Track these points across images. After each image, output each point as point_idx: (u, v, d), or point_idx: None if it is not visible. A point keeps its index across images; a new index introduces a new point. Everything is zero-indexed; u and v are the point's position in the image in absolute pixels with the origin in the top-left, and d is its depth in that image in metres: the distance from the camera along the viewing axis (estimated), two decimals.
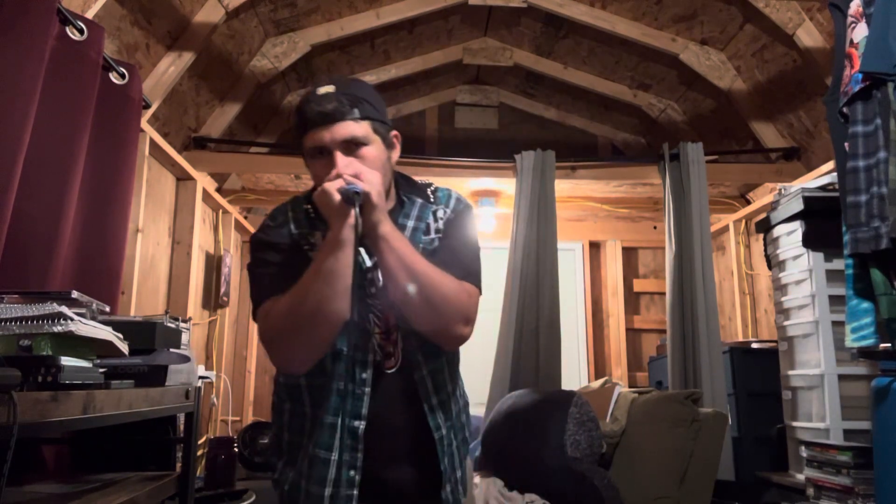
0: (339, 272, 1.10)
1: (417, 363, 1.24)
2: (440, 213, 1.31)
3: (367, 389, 1.19)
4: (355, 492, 1.17)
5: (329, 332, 1.14)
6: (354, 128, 1.18)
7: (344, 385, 1.19)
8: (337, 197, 1.09)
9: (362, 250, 1.21)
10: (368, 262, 1.23)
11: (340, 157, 1.16)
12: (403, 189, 1.34)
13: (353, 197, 1.09)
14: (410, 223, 1.29)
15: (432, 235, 1.29)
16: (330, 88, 1.20)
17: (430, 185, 1.38)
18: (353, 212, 1.10)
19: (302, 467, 1.20)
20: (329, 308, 1.11)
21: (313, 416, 1.21)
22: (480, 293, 1.28)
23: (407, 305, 1.17)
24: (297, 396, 1.24)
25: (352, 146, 1.18)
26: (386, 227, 1.15)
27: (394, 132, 1.32)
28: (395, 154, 1.31)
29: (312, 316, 1.11)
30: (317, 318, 1.12)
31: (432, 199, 1.33)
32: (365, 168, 1.14)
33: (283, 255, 1.23)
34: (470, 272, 1.26)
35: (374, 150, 1.21)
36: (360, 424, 1.18)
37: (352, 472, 1.17)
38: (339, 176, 1.12)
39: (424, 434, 1.22)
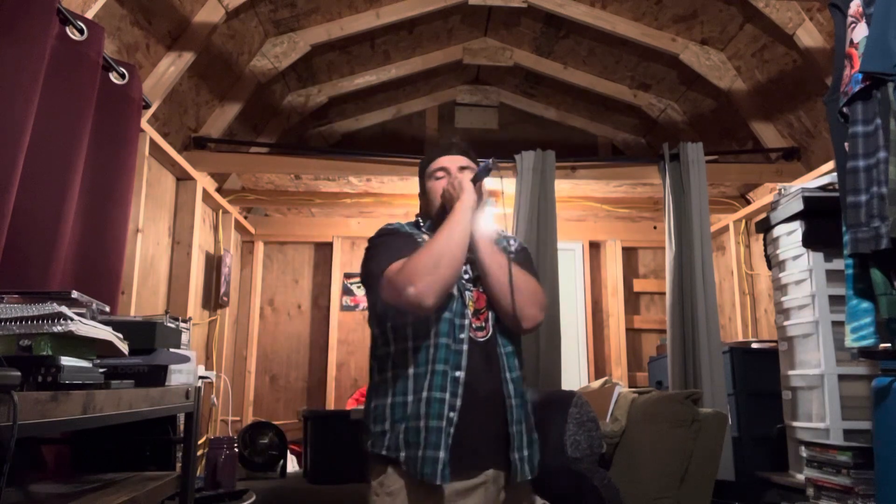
0: (465, 229, 1.47)
1: (501, 341, 1.52)
2: (511, 242, 1.70)
3: (465, 347, 1.45)
4: (452, 430, 1.38)
5: (455, 272, 1.45)
6: (467, 161, 1.67)
7: (448, 342, 1.45)
8: (467, 183, 1.51)
9: None
10: None
11: (457, 172, 1.62)
12: None
13: (488, 164, 1.53)
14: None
15: (511, 254, 1.62)
16: (454, 138, 1.77)
17: (498, 228, 1.77)
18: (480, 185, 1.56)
19: (417, 411, 1.41)
20: (458, 254, 1.44)
21: (419, 372, 1.44)
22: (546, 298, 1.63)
23: (495, 289, 1.50)
24: (402, 361, 1.48)
25: (463, 171, 1.63)
26: (482, 230, 1.53)
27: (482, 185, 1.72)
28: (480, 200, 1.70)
29: (448, 252, 1.44)
30: (449, 259, 1.43)
31: (501, 235, 1.70)
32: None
33: (401, 238, 1.56)
34: (538, 280, 1.62)
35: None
36: (461, 374, 1.43)
37: (451, 414, 1.40)
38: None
39: (501, 400, 1.48)
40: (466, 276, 1.55)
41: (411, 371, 1.46)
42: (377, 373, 1.54)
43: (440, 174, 1.64)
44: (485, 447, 1.45)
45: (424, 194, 1.68)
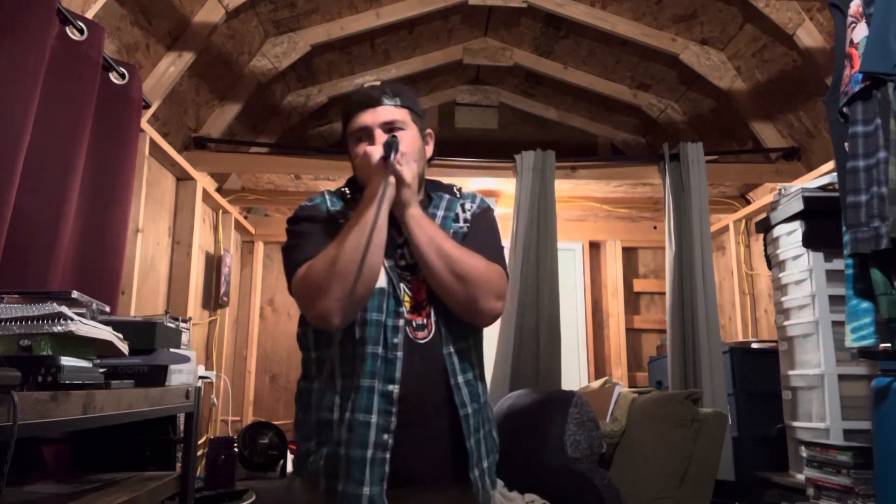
0: (377, 224, 1.18)
1: (447, 338, 1.28)
2: (467, 206, 1.41)
3: (400, 354, 1.23)
4: (388, 455, 1.18)
5: (366, 282, 1.19)
6: (394, 112, 1.32)
7: (376, 350, 1.23)
8: (378, 155, 1.21)
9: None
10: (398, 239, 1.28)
11: (380, 135, 1.30)
12: (430, 187, 1.45)
13: (392, 141, 1.22)
14: (440, 213, 1.39)
15: (461, 224, 1.38)
16: (375, 83, 1.42)
17: (455, 186, 1.48)
18: (390, 163, 1.20)
19: (339, 436, 1.20)
20: (367, 258, 1.16)
21: (346, 385, 1.23)
22: (507, 279, 1.34)
23: (438, 281, 1.24)
24: (329, 370, 1.26)
25: (391, 128, 1.31)
26: (416, 209, 1.25)
27: (428, 129, 1.43)
28: (429, 150, 1.43)
29: (351, 263, 1.16)
30: (355, 265, 1.15)
31: (458, 196, 1.44)
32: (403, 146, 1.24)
33: (318, 224, 1.31)
34: (498, 257, 1.34)
35: (411, 135, 1.33)
36: (395, 388, 1.21)
37: (385, 436, 1.19)
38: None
39: (452, 411, 1.25)
40: (402, 263, 1.30)
41: (338, 383, 1.24)
42: (302, 378, 1.34)
43: (361, 134, 1.33)
44: (430, 473, 1.24)
45: (350, 158, 1.38)
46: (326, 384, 1.26)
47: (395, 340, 1.23)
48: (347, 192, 1.38)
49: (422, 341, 1.27)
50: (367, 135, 1.32)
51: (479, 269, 1.26)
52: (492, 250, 1.34)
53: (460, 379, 1.27)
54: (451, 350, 1.28)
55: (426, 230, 1.25)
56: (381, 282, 1.25)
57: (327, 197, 1.39)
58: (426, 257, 1.24)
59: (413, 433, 1.22)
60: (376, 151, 1.22)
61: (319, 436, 1.24)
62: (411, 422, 1.22)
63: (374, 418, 1.19)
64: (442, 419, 1.25)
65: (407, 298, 1.28)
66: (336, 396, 1.24)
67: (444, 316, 1.28)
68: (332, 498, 1.18)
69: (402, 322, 1.25)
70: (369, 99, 1.33)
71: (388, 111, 1.32)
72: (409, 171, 1.23)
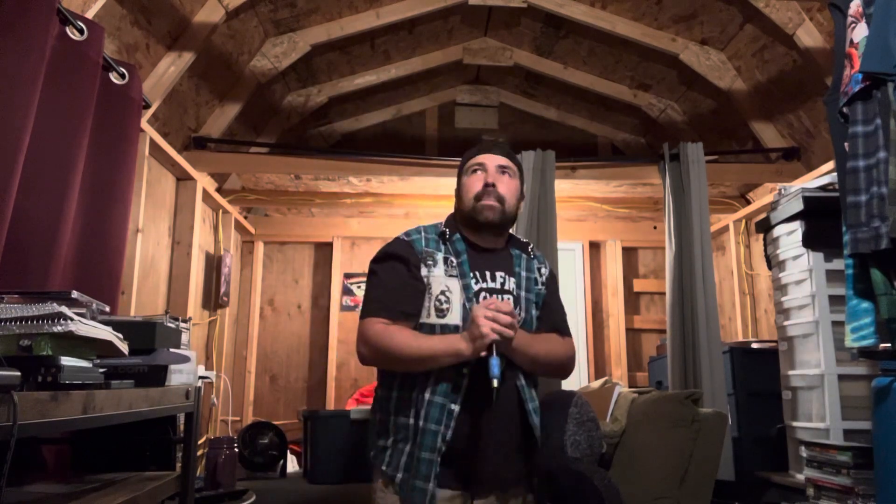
0: (444, 366, 1.42)
1: (519, 374, 1.50)
2: (542, 270, 1.66)
3: (464, 382, 1.42)
4: (439, 459, 1.39)
5: (405, 370, 1.47)
6: (508, 162, 1.60)
7: (448, 373, 1.43)
8: (487, 342, 1.36)
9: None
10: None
11: (493, 174, 1.56)
12: (510, 242, 1.67)
13: (493, 358, 1.35)
14: (524, 273, 1.61)
15: (540, 287, 1.63)
16: (500, 139, 1.63)
17: (529, 243, 1.71)
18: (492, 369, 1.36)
19: (416, 438, 1.41)
20: (424, 369, 1.43)
21: (420, 398, 1.43)
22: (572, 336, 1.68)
23: (534, 373, 1.57)
24: (407, 384, 1.47)
25: (503, 171, 1.57)
26: (515, 342, 1.42)
27: (523, 196, 1.69)
28: (519, 209, 1.66)
29: (409, 368, 1.46)
30: (412, 368, 1.45)
31: (532, 255, 1.66)
32: (514, 315, 1.41)
33: (403, 268, 1.50)
34: (567, 327, 1.66)
35: (515, 185, 1.60)
36: (455, 407, 1.42)
37: (441, 445, 1.39)
38: (496, 312, 1.38)
39: (524, 430, 1.49)
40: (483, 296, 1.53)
41: (414, 395, 1.45)
42: (382, 387, 1.55)
43: (476, 168, 1.59)
44: (499, 477, 1.46)
45: (458, 190, 1.62)
46: (405, 394, 1.47)
47: (465, 370, 1.43)
48: (447, 233, 1.58)
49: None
50: (483, 169, 1.57)
51: (562, 356, 1.59)
52: (564, 322, 1.66)
53: (531, 406, 1.50)
54: (523, 383, 1.51)
55: (522, 352, 1.46)
56: (458, 318, 1.46)
57: (423, 235, 1.57)
58: (524, 365, 1.50)
59: (488, 445, 1.43)
60: (489, 335, 1.35)
61: (396, 435, 1.46)
62: (487, 434, 1.43)
63: (441, 428, 1.40)
64: (514, 435, 1.47)
65: None
66: (412, 405, 1.44)
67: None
68: (407, 489, 1.39)
69: (494, 394, 1.42)
70: (490, 147, 1.63)
71: (505, 160, 1.59)
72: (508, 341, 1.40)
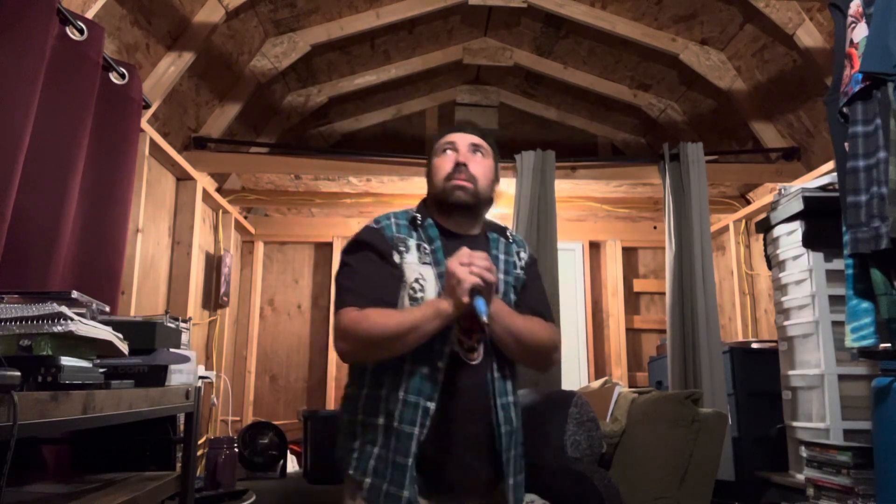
0: (430, 335, 1.31)
1: (494, 363, 1.40)
2: (521, 255, 1.57)
3: (440, 377, 1.34)
4: (412, 462, 1.30)
5: (391, 356, 1.34)
6: (481, 140, 1.50)
7: (422, 369, 1.35)
8: (467, 288, 1.26)
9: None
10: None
11: (464, 152, 1.46)
12: (487, 226, 1.57)
13: (481, 305, 1.26)
14: (502, 256, 1.52)
15: (518, 271, 1.54)
16: (479, 126, 1.58)
17: (507, 228, 1.62)
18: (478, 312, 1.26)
19: (387, 440, 1.32)
20: (410, 346, 1.32)
21: (393, 396, 1.34)
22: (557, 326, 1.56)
23: (511, 354, 1.42)
24: (376, 381, 1.38)
25: (475, 150, 1.48)
26: (493, 307, 1.33)
27: (499, 179, 1.57)
28: (495, 192, 1.56)
29: (388, 352, 1.33)
30: (390, 354, 1.34)
31: (511, 240, 1.57)
32: (491, 263, 1.31)
33: (374, 256, 1.41)
34: (550, 312, 1.54)
35: (489, 164, 1.50)
36: (431, 405, 1.32)
37: (417, 447, 1.30)
38: (470, 267, 1.28)
39: (491, 428, 1.37)
40: None
41: (384, 393, 1.35)
42: (351, 384, 1.45)
43: (447, 148, 1.49)
44: (467, 482, 1.36)
45: (429, 172, 1.52)
46: (373, 392, 1.38)
47: (440, 364, 1.35)
48: (418, 218, 1.48)
49: (472, 363, 1.39)
50: (453, 148, 1.48)
51: (544, 338, 1.45)
52: (547, 307, 1.55)
53: (500, 401, 1.39)
54: (496, 375, 1.40)
55: (501, 323, 1.35)
56: None
57: (394, 221, 1.47)
58: (502, 342, 1.38)
59: (455, 446, 1.35)
60: (468, 282, 1.26)
61: (364, 437, 1.36)
62: (454, 434, 1.35)
63: (416, 430, 1.31)
64: (481, 435, 1.37)
65: (458, 326, 1.38)
66: (382, 403, 1.35)
67: (492, 344, 1.40)
68: (377, 495, 1.30)
69: (447, 348, 1.35)
70: (463, 126, 1.54)
71: (477, 139, 1.50)
72: (495, 284, 1.31)
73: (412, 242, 1.43)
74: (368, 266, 1.40)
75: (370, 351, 1.36)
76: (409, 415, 1.32)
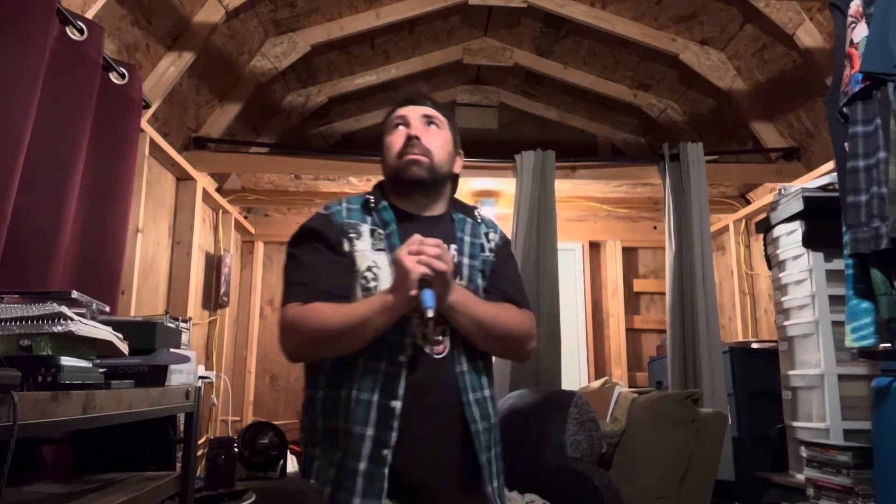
0: (379, 330, 1.21)
1: (461, 357, 1.30)
2: (490, 235, 1.45)
3: (404, 371, 1.23)
4: (386, 470, 1.19)
5: (350, 351, 1.24)
6: (433, 111, 1.40)
7: (378, 365, 1.24)
8: (415, 279, 1.16)
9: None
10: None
11: (416, 125, 1.36)
12: (453, 206, 1.47)
13: (428, 299, 1.15)
14: (467, 238, 1.40)
15: (487, 253, 1.42)
16: (430, 96, 1.46)
17: (475, 207, 1.52)
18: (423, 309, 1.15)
19: (342, 445, 1.22)
20: (358, 343, 1.22)
21: (348, 396, 1.24)
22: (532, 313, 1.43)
23: (481, 345, 1.32)
24: (331, 382, 1.28)
25: (428, 122, 1.38)
26: (452, 296, 1.23)
27: (461, 150, 1.48)
28: (457, 166, 1.46)
29: (341, 348, 1.24)
30: (344, 347, 1.23)
31: (479, 220, 1.46)
32: (443, 248, 1.19)
33: (321, 246, 1.31)
34: (525, 297, 1.43)
35: (445, 136, 1.40)
36: (397, 404, 1.21)
37: (384, 451, 1.19)
38: (420, 254, 1.17)
39: (464, 427, 1.26)
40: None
41: (342, 393, 1.25)
42: (308, 387, 1.33)
43: (398, 123, 1.38)
44: (441, 486, 1.24)
45: (382, 153, 1.40)
46: (329, 394, 1.28)
47: (401, 358, 1.24)
48: (372, 201, 1.37)
49: (437, 356, 1.27)
50: (404, 122, 1.37)
51: (515, 325, 1.34)
52: (520, 292, 1.42)
53: (471, 397, 1.28)
54: (465, 368, 1.29)
55: (464, 313, 1.26)
56: None
57: (345, 206, 1.37)
58: (468, 332, 1.28)
59: (423, 447, 1.23)
60: (415, 272, 1.15)
61: (325, 442, 1.26)
62: (421, 436, 1.23)
63: (370, 431, 1.20)
64: (453, 434, 1.26)
65: (416, 316, 1.26)
66: (341, 404, 1.25)
67: (458, 335, 1.29)
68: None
69: (408, 340, 1.25)
70: (413, 97, 1.41)
71: (429, 109, 1.39)
72: (449, 271, 1.19)
73: (365, 228, 1.32)
74: (315, 256, 1.30)
75: (314, 349, 1.26)
76: (362, 415, 1.21)
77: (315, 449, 1.28)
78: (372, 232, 1.32)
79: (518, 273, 1.50)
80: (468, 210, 1.47)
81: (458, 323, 1.26)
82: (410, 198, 1.38)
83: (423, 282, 1.16)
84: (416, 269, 1.15)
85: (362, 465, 1.19)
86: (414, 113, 1.38)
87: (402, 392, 1.22)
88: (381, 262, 1.28)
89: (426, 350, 1.27)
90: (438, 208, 1.41)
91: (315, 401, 1.30)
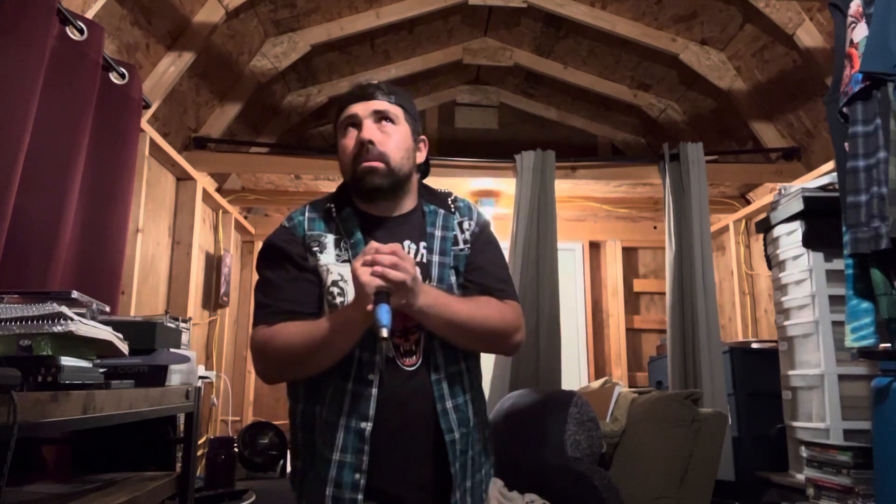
0: (344, 349, 1.17)
1: (437, 365, 1.24)
2: (465, 225, 1.36)
3: (374, 391, 1.19)
4: (360, 496, 1.15)
5: (322, 370, 1.20)
6: (386, 105, 1.29)
7: (348, 385, 1.20)
8: (370, 293, 1.09)
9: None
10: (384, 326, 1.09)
11: (369, 124, 1.26)
12: (424, 198, 1.39)
13: (383, 315, 1.06)
14: (438, 233, 1.33)
15: (461, 245, 1.34)
16: (374, 81, 1.36)
17: (449, 194, 1.42)
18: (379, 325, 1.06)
19: (316, 465, 1.21)
20: (327, 362, 1.18)
21: (321, 414, 1.22)
22: (518, 301, 1.35)
23: (460, 345, 1.25)
24: (308, 396, 1.25)
25: (381, 119, 1.28)
26: (420, 300, 1.16)
27: (423, 136, 1.38)
28: (420, 156, 1.38)
29: (310, 368, 1.20)
30: (313, 367, 1.20)
31: (453, 209, 1.38)
32: (401, 257, 1.12)
33: (286, 263, 1.27)
34: (508, 287, 1.34)
35: (401, 131, 1.30)
36: (367, 426, 1.17)
37: (356, 476, 1.16)
38: (375, 263, 1.10)
39: (438, 437, 1.21)
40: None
41: (316, 409, 1.22)
42: (289, 396, 1.32)
43: (349, 124, 1.30)
44: (418, 498, 1.21)
45: (339, 154, 1.35)
46: (306, 408, 1.26)
47: (371, 377, 1.19)
48: (333, 209, 1.32)
49: (409, 368, 1.23)
50: (355, 123, 1.29)
51: (494, 320, 1.26)
52: (501, 281, 1.33)
53: (449, 404, 1.23)
54: (441, 376, 1.24)
55: (435, 316, 1.19)
56: None
57: (307, 216, 1.32)
58: (445, 336, 1.23)
59: (395, 460, 1.20)
60: (370, 285, 1.08)
61: (304, 456, 1.25)
62: (393, 448, 1.19)
63: (335, 456, 1.17)
64: (426, 446, 1.22)
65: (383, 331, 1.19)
66: (315, 423, 1.23)
67: (432, 342, 1.24)
68: None
69: (378, 357, 1.20)
70: (362, 91, 1.31)
71: (381, 103, 1.29)
72: (409, 278, 1.11)
73: (329, 239, 1.28)
74: (279, 274, 1.26)
75: (284, 371, 1.24)
76: (331, 439, 1.18)
77: (297, 461, 1.28)
78: (337, 242, 1.28)
79: (500, 261, 1.39)
80: (441, 199, 1.39)
81: (432, 326, 1.21)
82: (374, 202, 1.32)
83: (381, 294, 1.09)
84: (371, 281, 1.08)
85: (330, 490, 1.16)
86: (364, 110, 1.28)
87: (372, 412, 1.18)
88: (348, 274, 1.22)
89: (397, 363, 1.22)
90: (407, 205, 1.35)
91: (295, 413, 1.29)
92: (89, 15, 2.05)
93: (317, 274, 1.25)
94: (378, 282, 1.08)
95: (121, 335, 1.32)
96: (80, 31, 1.92)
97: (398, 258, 1.10)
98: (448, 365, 1.25)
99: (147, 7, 2.45)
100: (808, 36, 2.72)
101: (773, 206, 2.84)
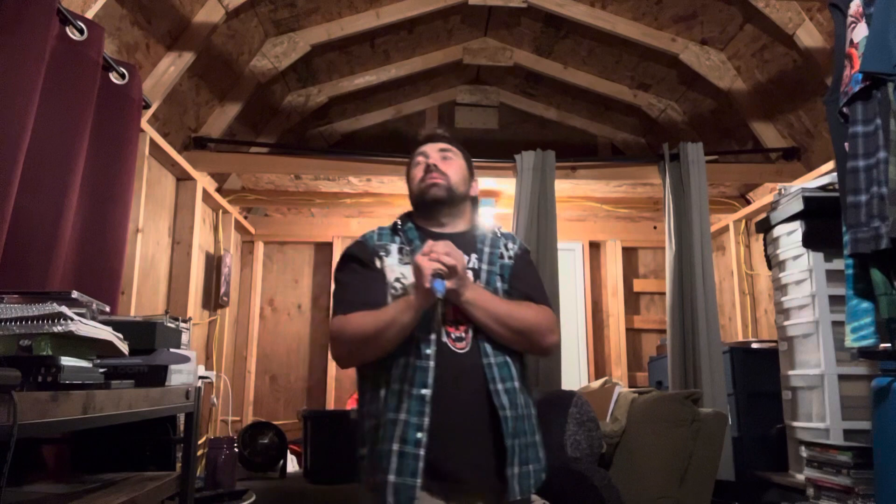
0: (407, 327, 1.37)
1: (486, 352, 1.42)
2: (509, 246, 1.61)
3: (432, 363, 1.37)
4: (422, 451, 1.31)
5: (384, 353, 1.41)
6: (447, 145, 1.64)
7: (407, 359, 1.39)
8: (428, 275, 1.33)
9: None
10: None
11: (434, 156, 1.59)
12: (476, 227, 1.65)
13: (438, 285, 1.33)
14: (487, 248, 1.57)
15: (506, 260, 1.58)
16: (439, 129, 1.73)
17: (497, 226, 1.69)
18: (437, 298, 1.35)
19: (384, 434, 1.36)
20: (393, 342, 1.38)
21: (385, 389, 1.40)
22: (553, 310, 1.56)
23: (500, 339, 1.43)
24: (375, 381, 1.44)
25: (443, 154, 1.60)
26: (468, 293, 1.40)
27: (476, 178, 1.69)
28: (474, 189, 1.68)
29: (378, 347, 1.40)
30: (381, 346, 1.40)
31: (499, 235, 1.63)
32: (453, 248, 1.37)
33: (359, 266, 1.53)
34: (544, 296, 1.58)
35: (459, 163, 1.62)
36: (427, 392, 1.35)
37: (419, 434, 1.32)
38: (431, 256, 1.35)
39: (493, 416, 1.37)
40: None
41: (382, 392, 1.42)
42: (358, 389, 1.53)
43: (419, 159, 1.63)
44: (468, 471, 1.36)
45: (408, 185, 1.67)
46: (373, 393, 1.44)
47: (428, 351, 1.39)
48: (399, 224, 1.60)
49: (460, 352, 1.41)
50: (423, 156, 1.61)
51: (531, 319, 1.46)
52: (538, 290, 1.57)
53: (500, 386, 1.40)
54: (491, 361, 1.42)
55: (481, 307, 1.41)
56: None
57: (377, 232, 1.61)
58: (487, 327, 1.42)
59: (453, 434, 1.35)
60: (428, 269, 1.33)
61: (373, 439, 1.40)
62: (451, 424, 1.35)
63: (402, 416, 1.34)
64: (481, 423, 1.37)
65: (440, 317, 1.42)
66: (379, 402, 1.41)
67: (480, 332, 1.43)
68: (382, 491, 1.32)
69: (433, 336, 1.40)
70: (430, 136, 1.68)
71: (444, 144, 1.63)
72: (460, 265, 1.36)
73: (393, 247, 1.55)
74: (352, 276, 1.52)
75: (358, 352, 1.44)
76: (394, 403, 1.37)
77: (363, 448, 1.43)
78: (400, 249, 1.54)
79: (537, 276, 1.65)
80: (489, 227, 1.66)
81: (476, 318, 1.41)
82: (433, 217, 1.58)
83: (436, 276, 1.33)
84: (428, 265, 1.33)
85: (396, 446, 1.32)
86: (432, 149, 1.62)
87: (431, 381, 1.36)
88: (408, 273, 1.45)
89: (450, 346, 1.41)
90: (461, 226, 1.60)
91: (364, 398, 1.48)
92: (89, 15, 2.05)
93: (383, 274, 1.49)
94: (435, 265, 1.33)
95: (121, 335, 1.33)
96: (80, 31, 1.92)
97: (450, 248, 1.36)
98: (495, 354, 1.43)
99: (147, 7, 2.45)
100: (808, 36, 2.72)
101: (773, 206, 2.84)
